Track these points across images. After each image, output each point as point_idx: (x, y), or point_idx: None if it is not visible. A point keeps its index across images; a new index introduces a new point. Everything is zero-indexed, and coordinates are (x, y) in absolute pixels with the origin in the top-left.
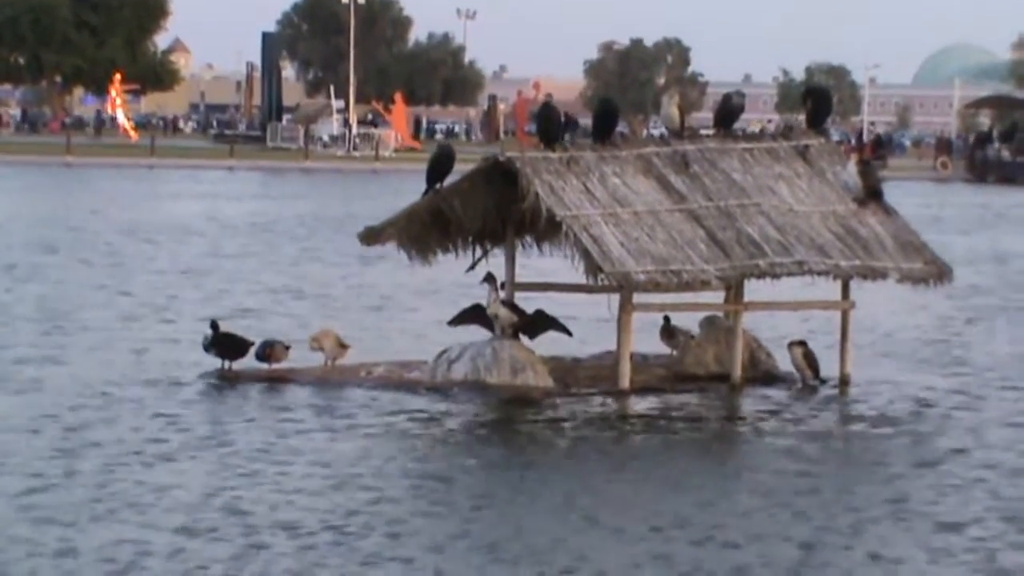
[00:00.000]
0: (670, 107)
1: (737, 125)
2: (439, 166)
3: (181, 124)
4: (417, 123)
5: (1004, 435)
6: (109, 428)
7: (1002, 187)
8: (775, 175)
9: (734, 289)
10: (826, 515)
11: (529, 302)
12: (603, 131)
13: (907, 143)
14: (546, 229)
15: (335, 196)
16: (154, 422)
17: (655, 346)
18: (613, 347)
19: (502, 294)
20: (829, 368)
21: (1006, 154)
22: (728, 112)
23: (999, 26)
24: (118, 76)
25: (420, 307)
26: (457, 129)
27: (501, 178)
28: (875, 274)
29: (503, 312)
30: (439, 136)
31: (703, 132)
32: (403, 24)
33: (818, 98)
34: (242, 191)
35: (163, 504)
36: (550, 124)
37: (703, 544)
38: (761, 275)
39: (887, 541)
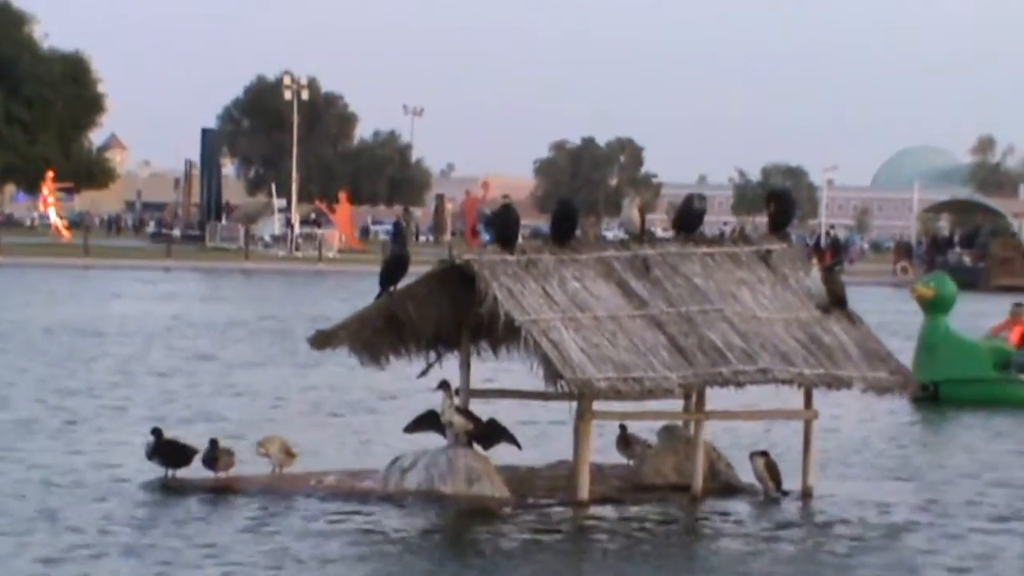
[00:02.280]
0: (631, 210)
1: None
2: (393, 269)
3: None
4: (365, 229)
5: (967, 549)
6: (44, 538)
7: (963, 293)
8: (737, 280)
9: (695, 397)
10: None
11: (482, 409)
12: (562, 233)
13: (864, 246)
14: (504, 334)
15: (277, 298)
16: (91, 533)
17: (610, 455)
18: (566, 455)
19: (457, 400)
20: (791, 479)
21: (967, 259)
22: (689, 216)
23: (958, 129)
24: (50, 174)
25: (371, 413)
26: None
27: (457, 281)
28: (840, 383)
29: (458, 419)
30: (384, 236)
31: (660, 234)
32: (348, 121)
33: (781, 201)
34: (180, 292)
35: None
36: (508, 226)
37: None
38: (724, 383)
39: None
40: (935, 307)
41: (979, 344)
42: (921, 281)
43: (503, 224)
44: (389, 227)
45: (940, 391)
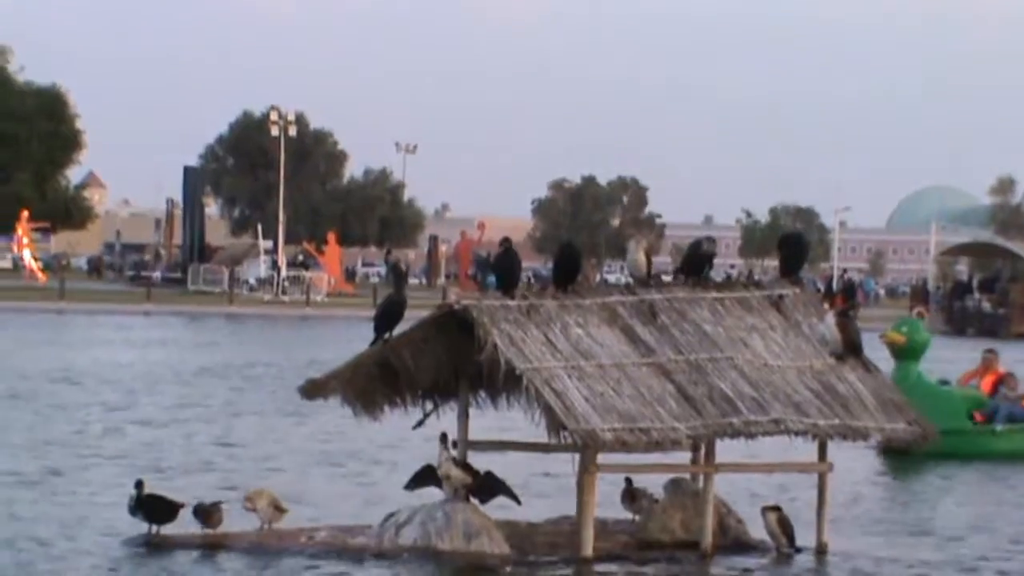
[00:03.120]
0: (637, 253)
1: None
2: (389, 314)
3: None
4: (399, 272)
5: None
6: None
7: (982, 341)
8: (748, 327)
9: (704, 449)
10: None
11: (478, 461)
12: (565, 277)
13: (879, 290)
14: (504, 383)
15: (263, 344)
16: None
17: (614, 510)
18: (566, 510)
19: (454, 452)
20: (805, 536)
21: (987, 305)
22: (697, 259)
23: (977, 168)
24: (25, 213)
25: (365, 466)
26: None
27: (456, 327)
28: (856, 435)
29: (455, 473)
30: (375, 279)
31: (664, 278)
32: (338, 159)
33: (793, 244)
34: (160, 338)
35: None
36: (510, 270)
37: None
38: (735, 434)
39: None
40: (906, 354)
41: (953, 392)
42: (893, 326)
43: (504, 268)
44: (380, 269)
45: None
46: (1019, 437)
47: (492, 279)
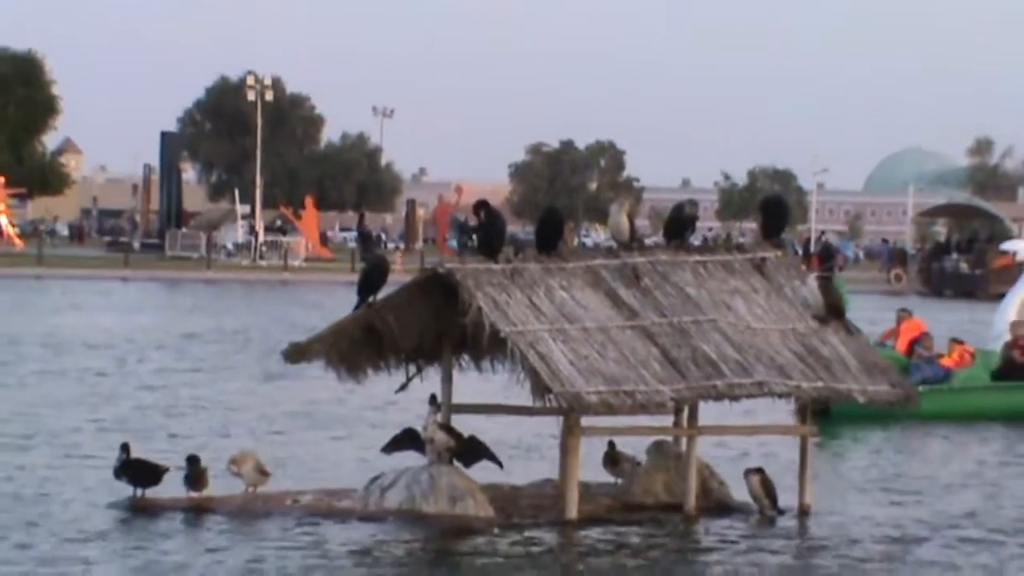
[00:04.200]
0: (619, 216)
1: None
2: (372, 278)
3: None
4: (366, 236)
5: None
6: (5, 556)
7: (960, 302)
8: (731, 290)
9: (687, 412)
10: None
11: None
12: (548, 241)
13: (860, 252)
14: (488, 346)
15: (242, 309)
16: (55, 554)
17: (597, 473)
18: (548, 473)
19: (438, 416)
20: (787, 498)
21: (964, 266)
22: (679, 223)
23: (954, 130)
24: (1, 179)
25: (348, 429)
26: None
27: (439, 291)
28: (839, 397)
29: (440, 436)
30: (352, 244)
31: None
32: (315, 123)
33: (774, 208)
34: (138, 304)
35: None
36: (490, 231)
37: None
38: (719, 397)
39: None
40: None
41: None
42: None
43: (488, 231)
44: (355, 234)
45: (832, 406)
46: (936, 398)
47: (453, 243)
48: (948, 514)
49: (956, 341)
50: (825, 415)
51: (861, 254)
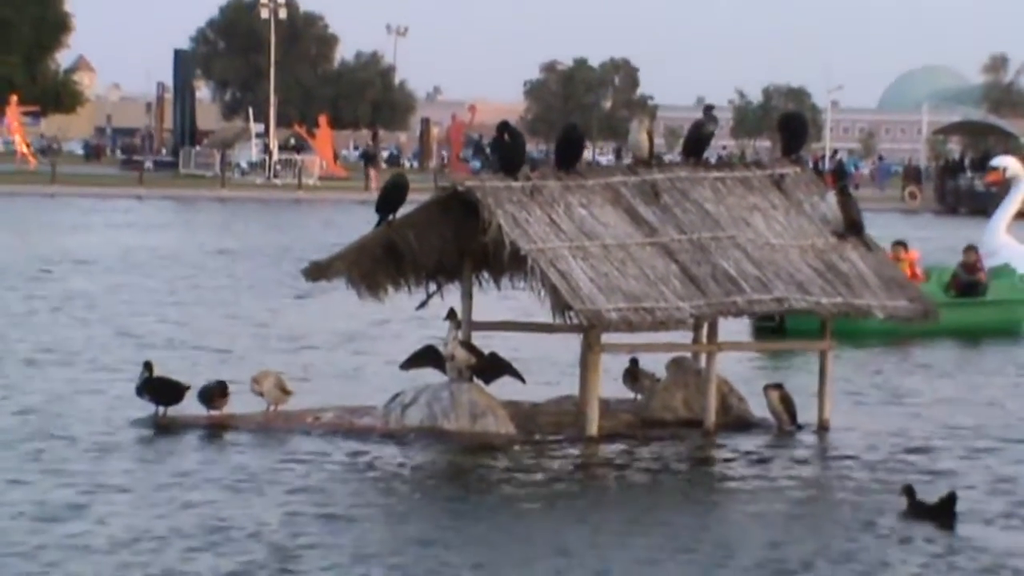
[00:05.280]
0: (639, 133)
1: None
2: (392, 196)
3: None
4: (370, 156)
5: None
6: (34, 476)
7: (974, 219)
8: (750, 206)
9: (707, 328)
10: (812, 573)
11: (484, 343)
12: (568, 158)
13: (863, 171)
14: (508, 264)
15: (255, 227)
16: (83, 475)
17: (616, 391)
18: (565, 390)
19: (459, 333)
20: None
21: (979, 184)
22: (699, 140)
23: (969, 48)
24: (15, 97)
25: (368, 347)
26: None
27: (459, 209)
28: (858, 312)
29: (460, 353)
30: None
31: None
32: (328, 42)
33: (794, 124)
34: (153, 222)
35: (86, 562)
36: (512, 149)
37: None
38: (739, 313)
39: None
40: None
41: None
42: None
43: (509, 150)
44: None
45: (786, 322)
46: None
47: (475, 163)
48: (957, 426)
49: (899, 244)
50: (780, 332)
51: (866, 172)
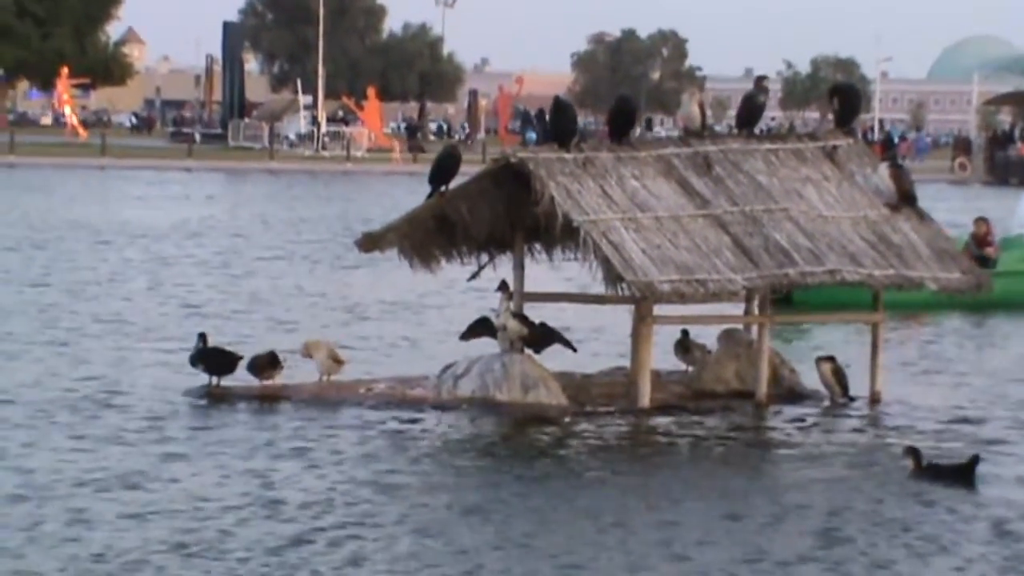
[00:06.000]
0: (691, 105)
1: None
2: (444, 167)
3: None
4: (414, 129)
5: None
6: (94, 445)
7: None
8: (802, 178)
9: (759, 300)
10: (866, 541)
11: (533, 313)
12: (620, 130)
13: (928, 141)
14: (560, 235)
15: (305, 199)
16: (139, 443)
17: (666, 362)
18: (614, 362)
19: (511, 304)
20: (858, 385)
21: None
22: (751, 111)
23: (1021, 17)
24: (65, 70)
25: (421, 318)
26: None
27: (512, 180)
28: (911, 284)
29: (513, 324)
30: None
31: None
32: (376, 14)
33: (846, 95)
34: (204, 194)
35: (140, 529)
36: (563, 122)
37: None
38: (791, 285)
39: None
40: None
41: None
42: None
43: (557, 119)
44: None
45: (793, 294)
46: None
47: (531, 135)
48: (1005, 396)
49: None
50: (787, 303)
51: (928, 141)
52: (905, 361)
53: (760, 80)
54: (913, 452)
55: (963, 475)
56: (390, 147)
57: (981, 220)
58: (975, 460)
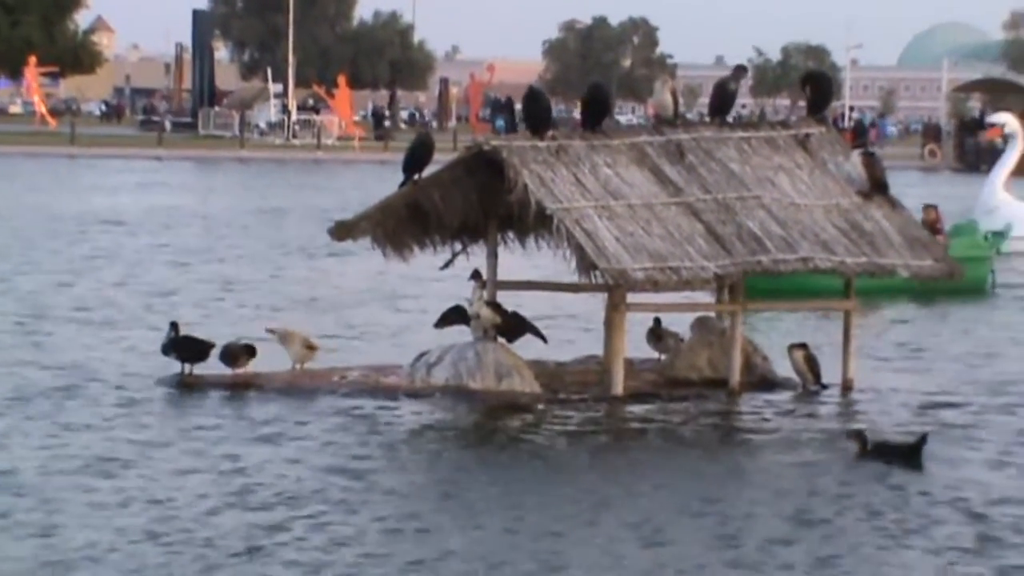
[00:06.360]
0: (663, 93)
1: None
2: (417, 155)
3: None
4: (380, 117)
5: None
6: (66, 436)
7: None
8: (775, 166)
9: (733, 288)
10: (839, 524)
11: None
12: (593, 118)
13: (895, 129)
14: (534, 223)
15: (275, 188)
16: (112, 431)
17: (639, 351)
18: (587, 350)
19: (484, 292)
20: (831, 373)
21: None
22: (724, 99)
23: (990, 4)
24: (33, 58)
25: (393, 306)
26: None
27: (485, 168)
28: (883, 271)
29: (486, 312)
30: (386, 124)
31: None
32: (347, 1)
33: (818, 83)
34: (174, 182)
35: (112, 518)
36: (537, 109)
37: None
38: (764, 273)
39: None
40: None
41: None
42: None
43: (530, 107)
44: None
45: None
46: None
47: (500, 122)
48: (975, 381)
49: (931, 207)
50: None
51: (896, 130)
52: (874, 348)
53: (739, 69)
54: (858, 435)
55: (910, 455)
56: (361, 136)
57: (930, 207)
58: (922, 440)
